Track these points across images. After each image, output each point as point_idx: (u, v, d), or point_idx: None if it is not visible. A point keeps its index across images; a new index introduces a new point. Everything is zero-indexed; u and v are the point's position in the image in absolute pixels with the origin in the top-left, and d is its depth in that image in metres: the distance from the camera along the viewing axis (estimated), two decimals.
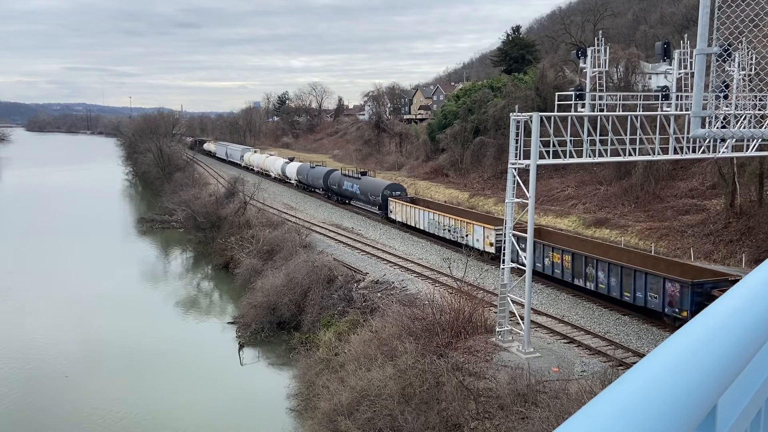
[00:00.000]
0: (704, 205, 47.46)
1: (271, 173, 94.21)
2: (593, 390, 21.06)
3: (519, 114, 26.72)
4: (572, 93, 26.72)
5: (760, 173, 42.94)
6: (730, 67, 24.89)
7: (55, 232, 73.81)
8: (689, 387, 1.34)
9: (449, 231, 47.65)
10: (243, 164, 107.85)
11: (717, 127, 11.08)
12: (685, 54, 27.45)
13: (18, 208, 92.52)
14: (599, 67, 27.00)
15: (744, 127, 23.42)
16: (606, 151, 27.22)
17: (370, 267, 43.18)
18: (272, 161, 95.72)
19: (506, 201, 27.83)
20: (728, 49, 12.40)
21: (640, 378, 1.31)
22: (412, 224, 53.43)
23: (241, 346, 38.83)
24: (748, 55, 25.67)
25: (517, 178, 26.76)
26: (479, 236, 43.78)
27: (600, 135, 26.68)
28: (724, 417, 1.56)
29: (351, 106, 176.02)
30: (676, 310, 28.60)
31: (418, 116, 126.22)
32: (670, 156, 28.39)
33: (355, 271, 42.46)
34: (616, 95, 30.56)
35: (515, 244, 28.40)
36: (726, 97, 23.76)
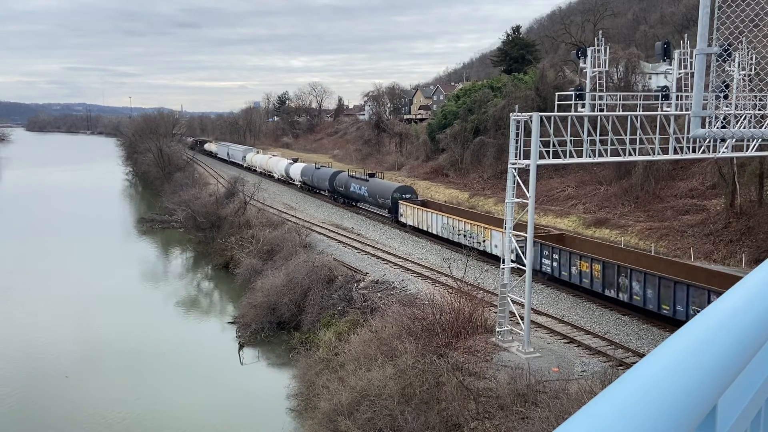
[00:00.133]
0: (704, 205, 47.47)
1: (275, 174, 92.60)
2: (593, 390, 21.06)
3: (519, 114, 26.71)
4: (572, 93, 26.72)
5: (760, 173, 42.94)
6: (730, 67, 24.88)
7: (55, 232, 73.79)
8: (689, 387, 1.34)
9: (465, 236, 45.48)
10: (245, 165, 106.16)
11: (717, 127, 11.08)
12: (685, 54, 27.45)
13: (18, 208, 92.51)
14: (599, 67, 26.99)
15: (744, 127, 23.42)
16: (606, 151, 27.22)
17: (370, 267, 43.19)
18: (275, 162, 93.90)
19: (506, 201, 27.83)
20: (728, 49, 12.40)
21: (640, 378, 1.31)
22: (424, 228, 51.41)
23: (241, 346, 38.83)
24: (748, 55, 25.66)
25: (517, 178, 26.76)
26: (498, 242, 41.03)
27: (600, 135, 26.67)
28: (724, 417, 1.56)
29: (351, 106, 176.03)
30: None
31: (418, 116, 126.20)
32: (670, 156, 28.39)
33: (355, 271, 42.47)
34: (616, 95, 30.58)
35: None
36: (726, 97, 23.75)
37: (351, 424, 24.94)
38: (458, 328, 28.55)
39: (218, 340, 40.58)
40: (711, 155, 29.26)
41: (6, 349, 38.18)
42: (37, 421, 30.04)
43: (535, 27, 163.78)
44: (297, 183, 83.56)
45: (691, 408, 1.31)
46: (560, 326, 30.70)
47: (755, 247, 40.21)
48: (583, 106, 26.54)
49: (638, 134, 27.15)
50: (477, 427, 22.61)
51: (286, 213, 64.82)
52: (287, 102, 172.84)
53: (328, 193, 73.09)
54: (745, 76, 25.67)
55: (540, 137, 25.56)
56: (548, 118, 25.90)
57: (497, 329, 28.00)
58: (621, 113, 28.46)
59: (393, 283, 39.06)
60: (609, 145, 27.29)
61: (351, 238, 52.45)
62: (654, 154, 28.41)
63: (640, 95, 32.86)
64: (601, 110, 27.15)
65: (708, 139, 22.50)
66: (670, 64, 28.05)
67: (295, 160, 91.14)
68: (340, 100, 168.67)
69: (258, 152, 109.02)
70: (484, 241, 43.39)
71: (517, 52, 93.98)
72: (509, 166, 26.89)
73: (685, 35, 27.78)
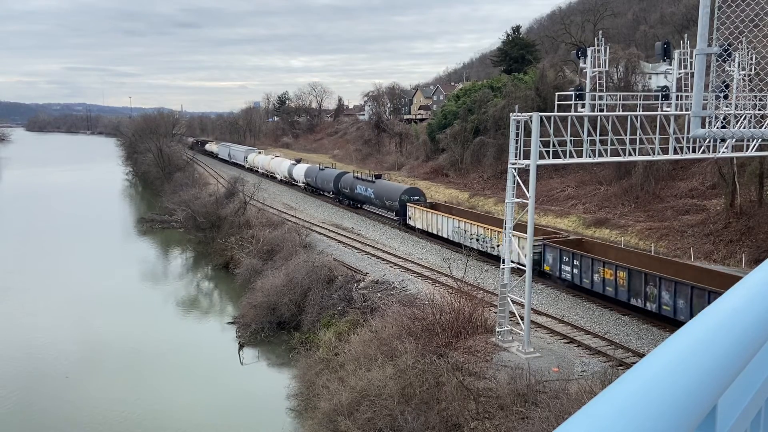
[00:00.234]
0: (704, 205, 47.48)
1: (277, 175, 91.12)
2: (593, 390, 21.06)
3: (519, 114, 26.71)
4: (572, 93, 26.72)
5: (760, 173, 42.95)
6: (730, 67, 24.88)
7: (55, 232, 73.80)
8: (689, 387, 1.34)
9: (477, 240, 43.99)
10: (247, 166, 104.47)
11: (717, 127, 11.08)
12: (685, 54, 27.44)
13: (18, 208, 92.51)
14: (599, 67, 26.99)
15: (744, 127, 23.41)
16: (606, 151, 27.22)
17: (369, 267, 43.20)
18: (278, 163, 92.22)
19: (506, 201, 27.84)
20: (728, 49, 12.39)
21: (640, 378, 1.31)
22: (434, 232, 49.58)
23: (241, 346, 38.83)
24: (748, 55, 25.66)
25: (517, 178, 26.76)
26: (513, 247, 40.40)
27: (600, 135, 26.68)
28: (724, 417, 1.56)
29: (351, 106, 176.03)
30: None
31: (418, 116, 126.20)
32: (670, 156, 28.39)
33: (355, 271, 42.47)
34: (616, 95, 30.58)
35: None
36: (726, 97, 23.74)
37: (351, 424, 24.94)
38: (458, 328, 28.55)
39: (218, 340, 40.58)
40: (711, 155, 29.26)
41: (6, 349, 38.18)
42: (38, 421, 30.04)
43: (535, 27, 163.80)
44: (300, 184, 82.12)
45: (691, 408, 1.31)
46: (560, 326, 30.70)
47: (755, 247, 40.21)
48: (583, 106, 26.54)
49: (638, 134, 27.15)
50: (477, 427, 22.61)
51: (286, 213, 64.82)
52: (287, 102, 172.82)
53: (333, 194, 71.48)
54: (745, 76, 25.67)
55: (540, 137, 25.57)
56: (548, 118, 25.90)
57: (497, 329, 28.00)
58: (621, 113, 28.46)
59: (393, 283, 39.07)
60: (609, 145, 27.29)
61: (351, 238, 52.46)
62: (654, 154, 28.41)
63: (640, 95, 32.86)
64: (601, 110, 27.16)
65: (708, 139, 22.50)
66: (670, 64, 28.05)
67: (299, 161, 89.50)
68: (340, 100, 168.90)
69: (260, 153, 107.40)
70: (497, 246, 41.22)
71: (517, 52, 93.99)
72: (509, 166, 26.89)
73: (685, 35, 27.78)
